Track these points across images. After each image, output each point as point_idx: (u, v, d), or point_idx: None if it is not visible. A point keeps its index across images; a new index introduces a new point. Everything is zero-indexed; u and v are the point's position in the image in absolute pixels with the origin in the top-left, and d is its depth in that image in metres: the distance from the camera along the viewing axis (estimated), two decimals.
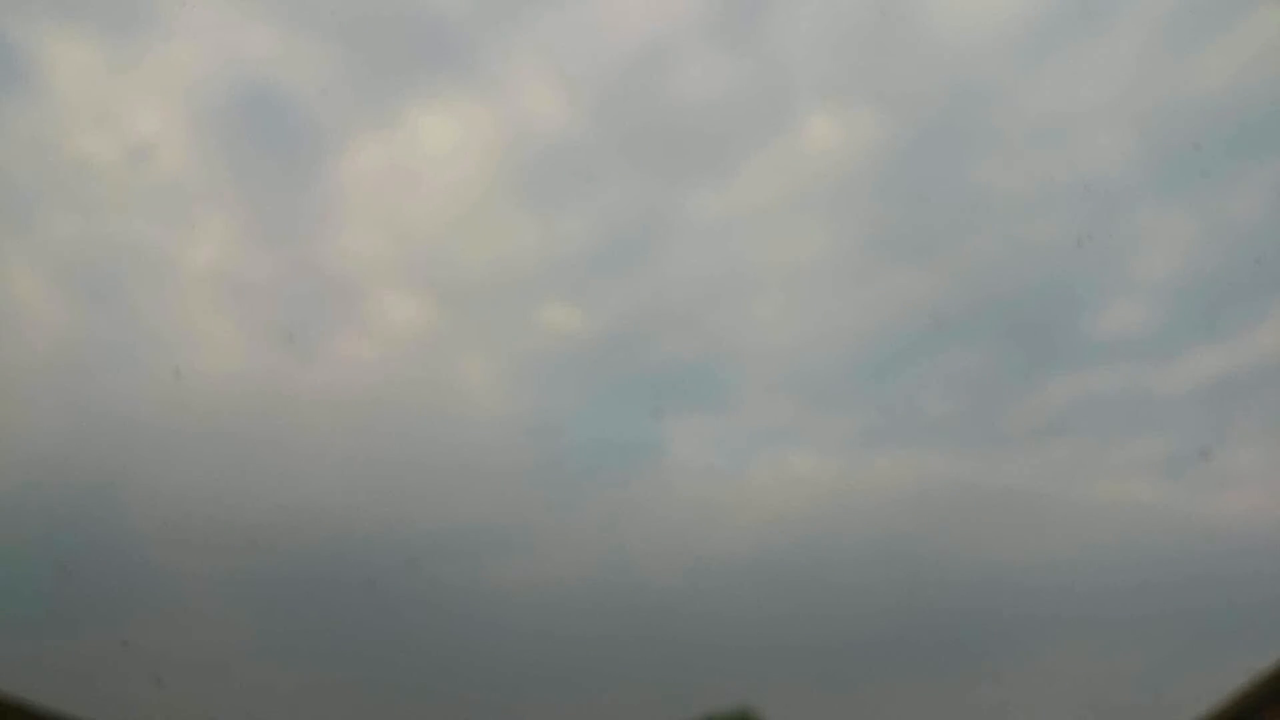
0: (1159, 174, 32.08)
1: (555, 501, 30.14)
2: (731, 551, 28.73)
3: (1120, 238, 32.81)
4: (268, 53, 34.16)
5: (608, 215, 34.76)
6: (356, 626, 27.38)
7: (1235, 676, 8.03)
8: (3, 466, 26.22)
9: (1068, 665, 25.34)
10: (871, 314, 33.75)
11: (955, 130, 34.06)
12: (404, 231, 34.72)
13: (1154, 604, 24.32)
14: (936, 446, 31.94)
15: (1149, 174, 31.76)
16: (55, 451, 27.15)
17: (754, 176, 33.92)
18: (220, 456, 28.25)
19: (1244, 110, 29.83)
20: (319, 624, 26.38)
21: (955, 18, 32.75)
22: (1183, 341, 31.26)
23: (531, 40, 34.05)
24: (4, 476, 26.02)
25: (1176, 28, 31.33)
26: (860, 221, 33.97)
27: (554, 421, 33.12)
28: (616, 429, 33.44)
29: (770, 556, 29.16)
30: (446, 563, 29.55)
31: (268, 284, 33.83)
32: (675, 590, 28.14)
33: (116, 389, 30.09)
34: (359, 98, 35.67)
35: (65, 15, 33.17)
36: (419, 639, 27.89)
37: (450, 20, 33.62)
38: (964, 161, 34.09)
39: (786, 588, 28.47)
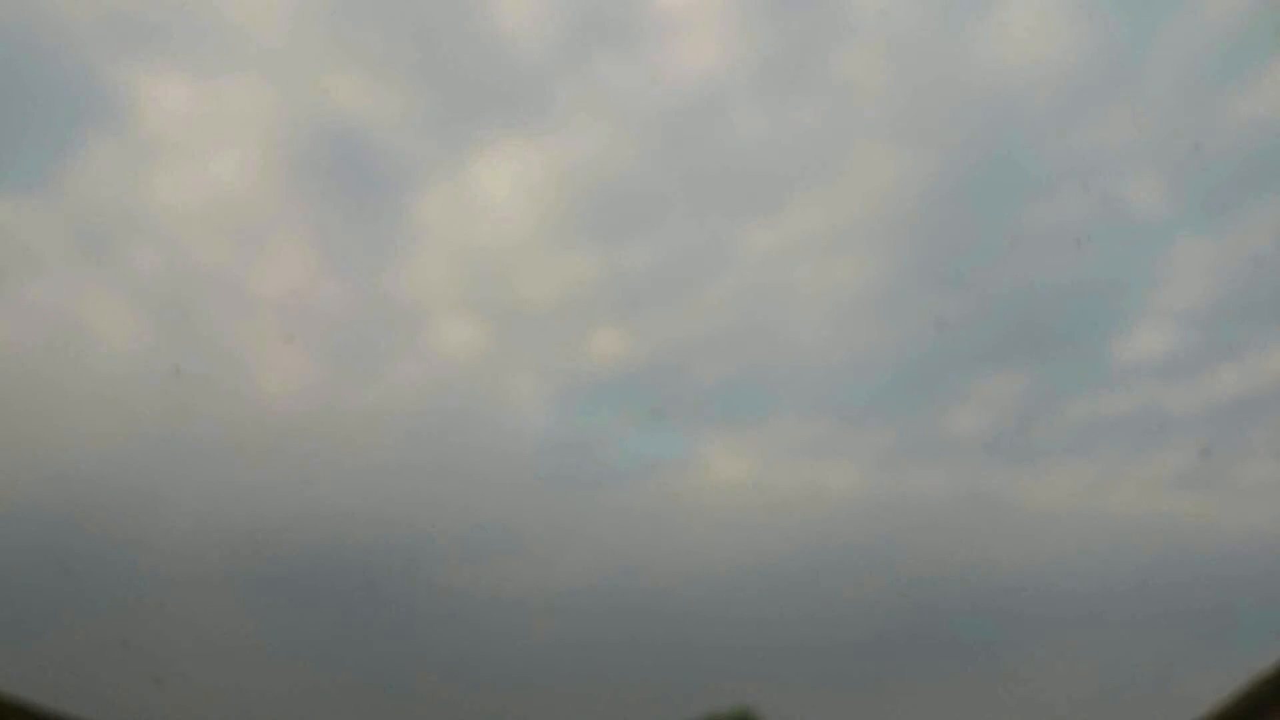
0: (1186, 209, 33.14)
1: (585, 511, 31.07)
2: (759, 559, 29.36)
3: (1147, 268, 33.75)
4: (347, 95, 35.18)
5: (662, 248, 35.98)
6: (402, 625, 27.96)
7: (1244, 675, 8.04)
8: (57, 478, 27.45)
9: (1080, 665, 25.48)
10: (906, 339, 34.77)
11: (994, 168, 35.12)
12: (467, 262, 35.98)
13: (1170, 607, 24.57)
14: (964, 462, 32.76)
15: (1177, 209, 32.78)
16: (107, 463, 28.19)
17: (803, 211, 35.07)
18: (272, 470, 29.41)
19: (1264, 148, 31.00)
20: (357, 624, 26.98)
21: (998, 64, 33.85)
22: (1203, 364, 32.23)
23: (597, 84, 35.00)
24: (56, 487, 27.16)
25: (1204, 73, 32.56)
26: (899, 253, 35.00)
27: (593, 438, 34.38)
28: (654, 445, 34.65)
29: (795, 564, 29.72)
30: (469, 566, 30.24)
31: (336, 311, 35.04)
32: (698, 596, 28.62)
33: (181, 407, 31.31)
34: (433, 137, 36.46)
35: (156, 56, 33.89)
36: (439, 638, 28.26)
37: (524, 64, 34.59)
38: (1000, 197, 35.21)
39: (807, 594, 28.87)
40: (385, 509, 30.09)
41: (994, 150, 35.19)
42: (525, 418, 34.20)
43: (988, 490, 31.33)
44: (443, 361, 35.53)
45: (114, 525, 27.10)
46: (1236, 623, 21.76)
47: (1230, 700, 7.88)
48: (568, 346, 35.87)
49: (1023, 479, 32.80)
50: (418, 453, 32.18)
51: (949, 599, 27.13)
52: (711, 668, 25.58)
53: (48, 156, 34.09)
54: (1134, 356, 33.24)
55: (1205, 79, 33.23)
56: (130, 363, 31.53)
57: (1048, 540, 28.99)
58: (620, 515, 30.74)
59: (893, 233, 34.89)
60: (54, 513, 26.69)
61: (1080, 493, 30.75)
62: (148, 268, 33.41)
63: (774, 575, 29.83)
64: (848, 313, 35.78)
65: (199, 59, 34.39)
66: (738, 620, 28.26)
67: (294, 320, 34.99)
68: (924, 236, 35.24)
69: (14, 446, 29.04)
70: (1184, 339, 32.82)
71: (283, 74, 35.27)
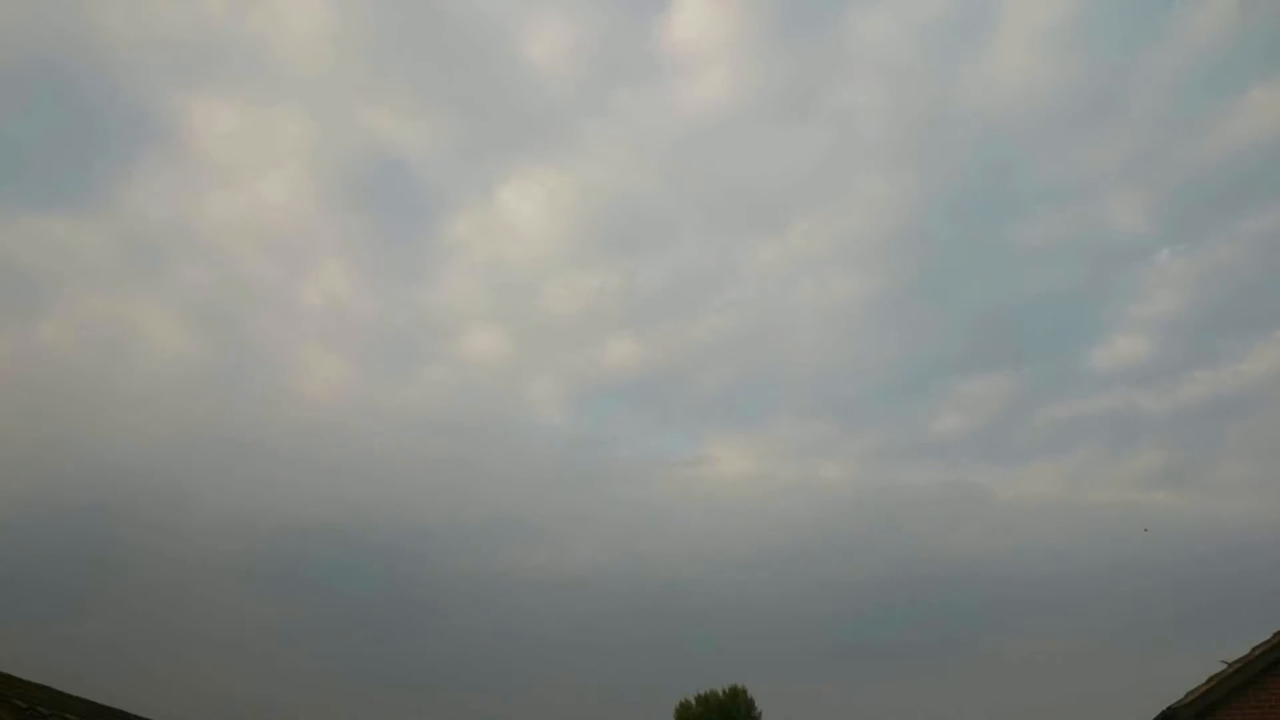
0: (1165, 226, 34.82)
1: (597, 503, 32.75)
2: (758, 545, 30.79)
3: (1125, 282, 35.52)
4: (387, 123, 36.51)
5: (674, 264, 38.83)
6: (418, 608, 29.13)
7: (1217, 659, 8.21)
8: (98, 472, 28.56)
9: (1054, 644, 26.12)
10: (897, 347, 37.14)
11: (983, 189, 37.32)
12: (494, 278, 37.90)
13: (1140, 593, 25.40)
14: (949, 459, 34.48)
15: (1155, 226, 34.48)
16: (144, 459, 29.32)
17: (804, 230, 37.45)
18: (303, 465, 30.96)
19: (1235, 172, 32.57)
20: (373, 609, 28.21)
21: (988, 92, 35.60)
22: (1177, 370, 34.00)
23: (616, 115, 37.40)
24: (96, 480, 28.34)
25: (1183, 99, 33.90)
26: (892, 268, 37.66)
27: (606, 436, 36.48)
28: (663, 443, 36.71)
29: (791, 552, 30.94)
30: (484, 552, 31.51)
31: (372, 322, 37.15)
32: (700, 578, 29.94)
33: (223, 407, 32.63)
34: (464, 163, 39.10)
35: (209, 85, 34.93)
36: (454, 618, 29.67)
37: (549, 97, 37.09)
38: (988, 216, 37.45)
39: (801, 576, 30.03)
40: (407, 500, 31.57)
41: (983, 172, 37.45)
42: (543, 418, 36.68)
43: (970, 484, 32.75)
44: (468, 367, 37.28)
45: (145, 516, 27.91)
46: (1206, 608, 22.42)
47: (1207, 683, 8.01)
48: (585, 354, 37.82)
49: (1003, 475, 34.45)
50: (441, 449, 33.98)
51: (932, 582, 28.17)
52: (710, 645, 26.42)
53: (105, 177, 35.46)
54: (1111, 363, 34.97)
55: (1184, 105, 35.17)
56: (176, 366, 33.15)
57: (1028, 530, 30.38)
58: (630, 507, 32.60)
59: (886, 249, 37.04)
60: (91, 503, 27.69)
61: (1058, 487, 32.22)
62: (197, 280, 34.67)
63: (771, 559, 30.88)
64: (844, 323, 37.89)
65: (249, 88, 35.55)
66: (736, 599, 29.22)
67: (333, 330, 36.51)
68: (916, 252, 37.51)
69: (59, 441, 29.78)
70: (1160, 347, 34.69)
71: (327, 103, 36.20)
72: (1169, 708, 8.21)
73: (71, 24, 32.74)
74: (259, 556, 29.18)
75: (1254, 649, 7.98)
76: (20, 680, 7.23)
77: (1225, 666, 8.03)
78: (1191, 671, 8.27)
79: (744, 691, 19.77)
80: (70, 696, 7.75)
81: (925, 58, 35.56)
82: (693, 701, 19.95)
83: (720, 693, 19.75)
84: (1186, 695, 8.15)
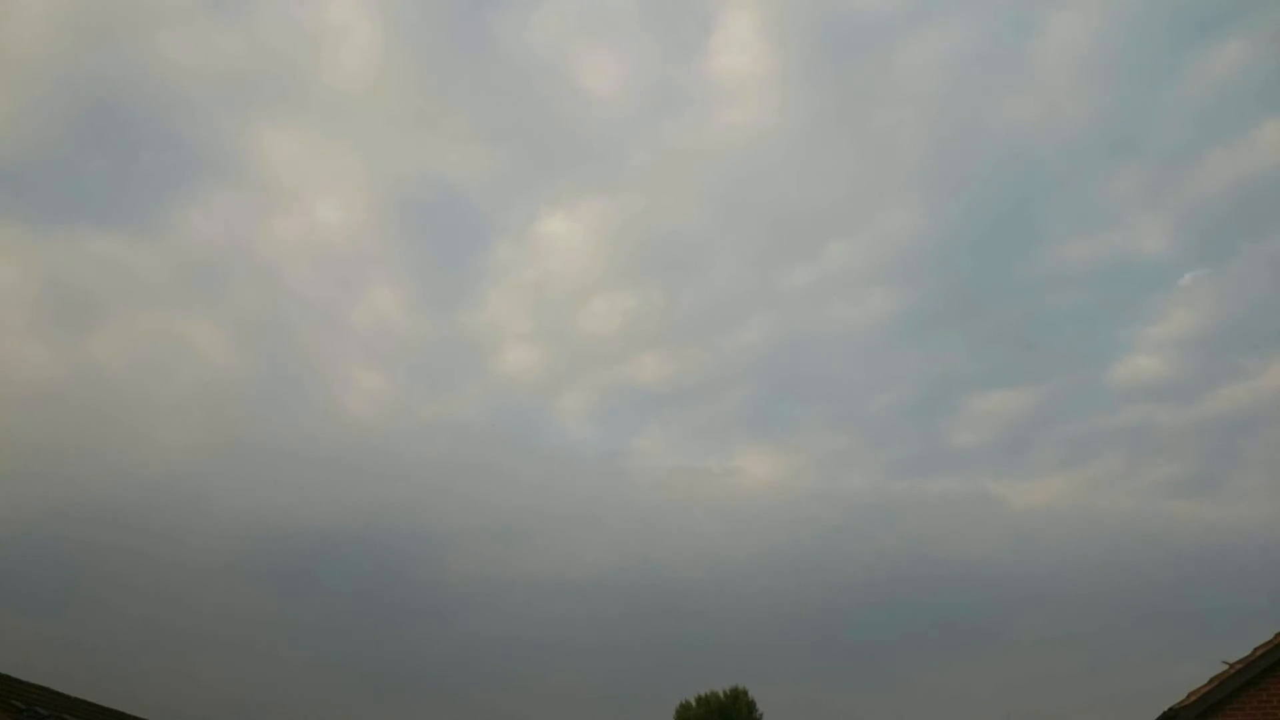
0: (1186, 250, 35.82)
1: (618, 509, 33.67)
2: (768, 551, 31.51)
3: (1149, 302, 36.52)
4: (439, 152, 37.75)
5: (711, 286, 39.49)
6: (429, 607, 29.66)
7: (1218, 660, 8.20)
8: (127, 479, 29.67)
9: (1071, 645, 26.42)
10: (923, 363, 37.97)
11: (1012, 213, 39.13)
12: (536, 299, 38.93)
13: (1157, 599, 25.87)
14: (973, 470, 35.42)
15: (1177, 250, 35.44)
16: (174, 466, 30.39)
17: (837, 254, 38.53)
18: (335, 473, 31.80)
19: (1251, 198, 33.40)
20: (381, 609, 28.76)
21: (1019, 123, 37.12)
22: (1195, 386, 34.99)
23: (660, 143, 38.69)
24: (123, 486, 29.59)
25: (1202, 132, 36.77)
26: (921, 289, 38.94)
27: (628, 447, 37.46)
28: (686, 454, 37.62)
29: (800, 555, 31.70)
30: (500, 553, 32.18)
31: (415, 340, 38.27)
32: (718, 582, 30.73)
33: (264, 420, 33.59)
34: (511, 189, 39.52)
35: (269, 115, 36.17)
36: (466, 620, 30.41)
37: (596, 125, 38.11)
38: (1015, 239, 38.97)
39: (801, 581, 30.66)
40: (430, 505, 32.48)
41: (1012, 197, 38.74)
42: (571, 429, 37.50)
43: (986, 492, 33.45)
44: (503, 382, 38.45)
45: (164, 520, 28.61)
46: (1217, 612, 22.64)
47: (1209, 683, 7.99)
48: (618, 369, 38.85)
49: (1025, 485, 35.09)
50: (470, 456, 34.98)
51: (942, 585, 28.70)
52: (718, 648, 26.91)
53: (165, 202, 36.65)
54: (1134, 378, 35.93)
55: (1203, 137, 36.41)
56: (219, 380, 34.24)
57: (1048, 537, 30.94)
58: (647, 513, 33.44)
59: (916, 271, 38.50)
60: (113, 508, 28.39)
61: (1079, 496, 32.96)
62: (250, 300, 35.90)
63: (778, 563, 31.51)
64: (873, 341, 38.98)
65: (307, 118, 36.47)
66: (740, 600, 29.68)
67: (377, 347, 37.63)
68: (943, 274, 38.70)
69: (96, 449, 30.60)
70: (1181, 363, 35.61)
71: (382, 131, 37.50)
72: (1170, 708, 8.19)
73: (141, 56, 34.35)
74: (272, 558, 29.82)
75: (1256, 649, 7.96)
76: (20, 681, 7.23)
77: (1227, 667, 8.01)
78: (1198, 670, 8.28)
79: (745, 692, 19.74)
80: (68, 697, 7.75)
81: (959, 89, 37.38)
82: (693, 703, 19.92)
83: (721, 694, 19.72)
84: (1188, 695, 8.12)
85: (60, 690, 7.60)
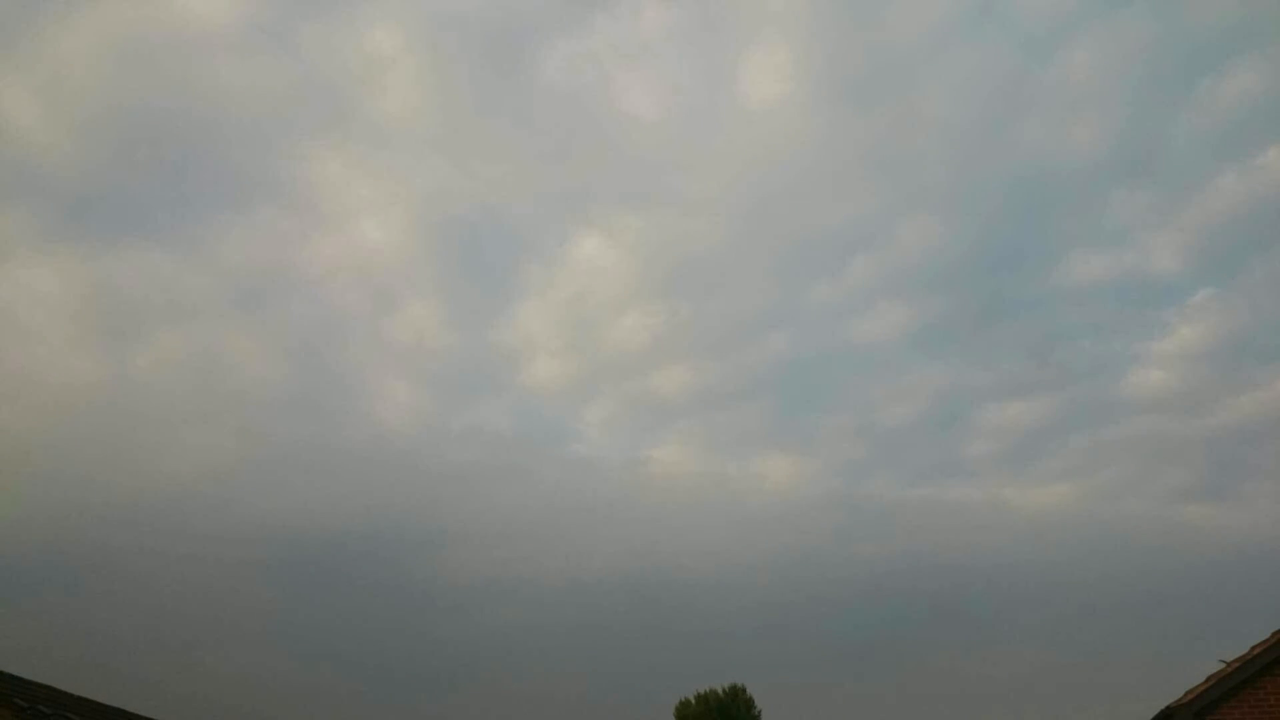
0: (1197, 268, 38.05)
1: (634, 513, 34.51)
2: (776, 553, 32.22)
3: (1160, 317, 37.19)
4: (479, 175, 38.85)
5: (737, 302, 40.54)
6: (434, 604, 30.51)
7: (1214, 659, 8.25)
8: (155, 482, 30.39)
9: (1075, 643, 26.91)
10: (940, 375, 38.95)
11: (1030, 231, 40.12)
12: (567, 315, 39.90)
13: (1158, 602, 26.45)
14: (988, 476, 36.24)
15: (1186, 271, 37.87)
16: (202, 471, 31.31)
17: (861, 271, 39.51)
18: (360, 480, 32.79)
19: (1259, 218, 35.76)
20: (385, 608, 29.63)
21: (1039, 147, 38.22)
22: (1204, 397, 35.69)
23: (692, 165, 39.25)
24: (150, 489, 30.20)
25: (1212, 155, 37.83)
26: (940, 305, 39.78)
27: (648, 455, 38.01)
28: (704, 462, 38.41)
29: (804, 556, 32.38)
30: (505, 554, 32.99)
31: (448, 354, 39.40)
32: (730, 584, 31.53)
33: (290, 429, 34.48)
34: (548, 211, 40.80)
35: (316, 139, 37.20)
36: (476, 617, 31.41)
37: (632, 148, 38.81)
38: (1032, 256, 39.96)
39: (804, 581, 31.26)
40: (448, 510, 33.46)
41: (1029, 216, 39.93)
42: (600, 437, 38.63)
43: (1005, 500, 34.12)
44: (531, 394, 39.63)
45: (184, 522, 29.35)
46: (1221, 612, 23.01)
47: (1205, 682, 8.03)
48: (641, 381, 39.72)
49: (1037, 491, 35.83)
50: (493, 462, 35.63)
51: (947, 587, 29.33)
52: (718, 647, 27.43)
53: (211, 219, 37.40)
54: (1146, 390, 36.66)
55: (1213, 159, 37.95)
56: (256, 391, 34.75)
57: (1062, 541, 31.73)
58: (659, 516, 34.13)
59: (935, 286, 39.80)
60: (137, 511, 28.98)
61: (1091, 503, 33.75)
62: (290, 315, 36.73)
63: (783, 563, 32.14)
64: (892, 354, 39.97)
65: (353, 143, 37.28)
66: (742, 601, 30.26)
67: (413, 362, 38.58)
68: (962, 289, 40.74)
69: (127, 455, 31.25)
70: (1191, 376, 36.30)
71: (424, 156, 38.36)
72: (1167, 707, 8.22)
73: (195, 78, 35.03)
74: (283, 559, 30.44)
75: (1252, 648, 7.99)
76: (22, 679, 7.25)
77: (1223, 666, 8.04)
78: (1197, 669, 8.32)
79: (744, 690, 19.80)
80: (71, 695, 7.78)
81: (980, 112, 38.57)
82: (692, 700, 19.97)
83: (720, 691, 19.77)
84: (1185, 695, 8.16)
85: (63, 689, 7.63)
